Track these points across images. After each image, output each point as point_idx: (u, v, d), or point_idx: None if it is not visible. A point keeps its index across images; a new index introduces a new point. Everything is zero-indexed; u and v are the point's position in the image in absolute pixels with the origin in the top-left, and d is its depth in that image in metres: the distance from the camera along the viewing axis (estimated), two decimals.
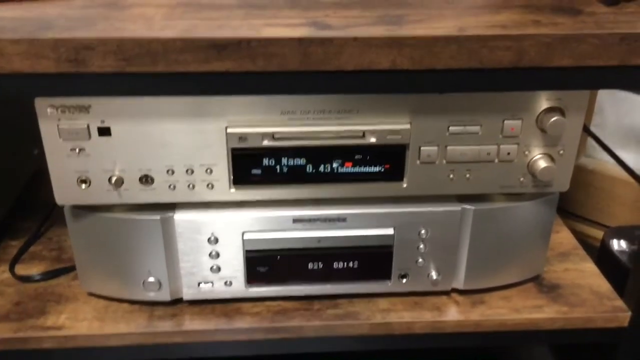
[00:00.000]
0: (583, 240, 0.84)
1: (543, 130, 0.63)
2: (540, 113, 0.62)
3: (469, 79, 0.55)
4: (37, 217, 0.84)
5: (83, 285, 0.70)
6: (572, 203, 1.03)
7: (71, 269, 0.74)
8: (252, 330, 0.69)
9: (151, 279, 0.68)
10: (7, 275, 0.75)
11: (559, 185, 0.67)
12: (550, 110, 0.62)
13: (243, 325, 0.69)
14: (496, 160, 0.65)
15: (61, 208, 0.66)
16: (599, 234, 0.96)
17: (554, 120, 0.61)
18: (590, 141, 1.00)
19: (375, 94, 0.61)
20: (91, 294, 0.71)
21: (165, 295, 0.69)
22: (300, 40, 0.52)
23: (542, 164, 0.64)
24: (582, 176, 1.01)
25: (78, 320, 0.68)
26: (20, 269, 0.76)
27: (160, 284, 0.68)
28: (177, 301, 0.70)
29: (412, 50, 0.53)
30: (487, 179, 0.66)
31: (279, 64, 0.53)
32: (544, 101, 0.62)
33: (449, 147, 0.63)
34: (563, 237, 0.84)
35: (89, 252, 0.67)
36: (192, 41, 0.52)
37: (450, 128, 0.63)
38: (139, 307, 0.70)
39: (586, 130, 0.87)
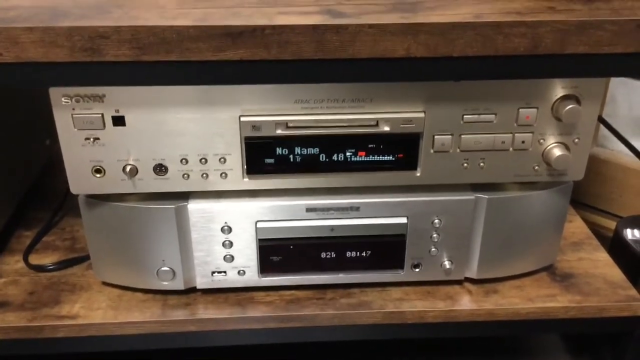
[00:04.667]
0: (595, 231, 0.84)
1: (558, 119, 0.62)
2: (555, 101, 0.62)
3: (484, 66, 0.55)
4: (49, 208, 0.85)
5: (97, 275, 0.71)
6: (584, 193, 1.02)
7: (84, 258, 0.75)
8: (266, 319, 0.69)
9: (165, 268, 0.68)
10: (21, 265, 0.75)
11: (574, 173, 0.66)
12: (565, 98, 0.61)
13: (256, 314, 0.69)
14: (511, 149, 0.64)
15: (73, 198, 0.66)
16: (611, 224, 0.96)
17: (569, 109, 0.61)
18: (602, 131, 1.00)
19: (390, 82, 0.60)
20: (105, 283, 0.72)
21: (179, 284, 0.69)
22: (314, 28, 0.52)
23: (557, 152, 0.63)
24: (594, 166, 1.00)
25: (92, 309, 0.69)
26: (34, 259, 0.76)
27: (174, 273, 0.68)
28: (190, 290, 0.71)
29: (427, 37, 0.52)
30: (501, 168, 0.65)
31: (293, 51, 0.53)
32: (559, 89, 0.61)
33: (463, 136, 0.63)
34: (576, 226, 0.83)
35: (103, 241, 0.68)
36: (206, 29, 0.52)
37: (465, 116, 0.62)
38: (153, 296, 0.70)
39: (599, 119, 0.86)
